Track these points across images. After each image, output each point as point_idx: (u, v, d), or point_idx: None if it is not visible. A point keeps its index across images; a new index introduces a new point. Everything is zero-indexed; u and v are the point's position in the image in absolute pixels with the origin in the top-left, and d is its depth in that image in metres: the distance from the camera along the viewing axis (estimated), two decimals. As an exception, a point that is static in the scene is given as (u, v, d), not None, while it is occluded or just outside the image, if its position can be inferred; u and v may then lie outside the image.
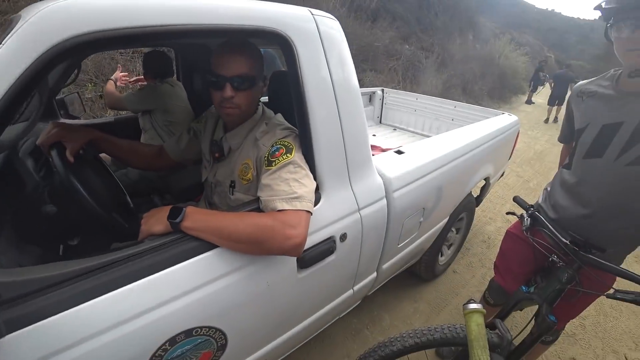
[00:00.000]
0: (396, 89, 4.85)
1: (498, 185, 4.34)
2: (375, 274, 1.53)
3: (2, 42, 0.61)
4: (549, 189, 1.35)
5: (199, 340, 0.88)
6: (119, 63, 4.13)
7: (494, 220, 3.52)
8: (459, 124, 2.92)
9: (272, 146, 0.99)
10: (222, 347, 0.95)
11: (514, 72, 13.89)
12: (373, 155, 1.34)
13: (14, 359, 0.63)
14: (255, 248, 0.88)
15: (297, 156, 0.98)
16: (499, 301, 1.62)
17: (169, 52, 2.86)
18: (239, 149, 1.10)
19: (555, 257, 1.16)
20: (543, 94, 13.13)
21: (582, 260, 1.04)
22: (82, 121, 2.16)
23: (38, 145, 1.03)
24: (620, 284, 1.05)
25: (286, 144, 0.99)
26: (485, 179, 2.32)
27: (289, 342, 1.21)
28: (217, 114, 1.22)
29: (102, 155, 1.36)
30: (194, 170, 1.48)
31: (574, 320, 1.46)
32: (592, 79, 1.23)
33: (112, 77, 2.29)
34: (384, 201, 1.32)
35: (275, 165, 0.95)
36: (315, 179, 1.03)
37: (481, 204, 2.75)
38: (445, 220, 1.96)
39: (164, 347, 0.81)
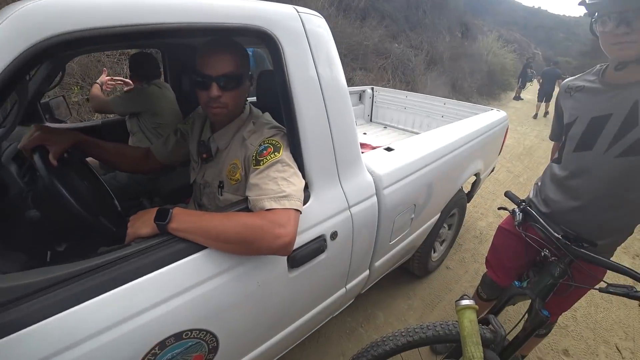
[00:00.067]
0: (386, 87, 4.86)
1: (489, 180, 4.38)
2: (367, 272, 1.52)
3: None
4: (539, 183, 1.36)
5: (190, 344, 0.87)
6: (105, 66, 4.08)
7: (486, 216, 3.55)
8: (448, 120, 2.93)
9: (260, 145, 0.98)
10: (214, 350, 0.93)
11: (502, 69, 14.05)
12: (363, 153, 1.34)
13: (-4, 368, 0.61)
14: (244, 248, 0.87)
15: (285, 155, 0.97)
16: (492, 296, 1.63)
17: (156, 53, 2.83)
18: (227, 149, 1.09)
19: (547, 252, 1.17)
20: (531, 91, 13.32)
21: (573, 254, 1.05)
22: (67, 125, 2.13)
23: (20, 150, 1.01)
24: (611, 276, 1.06)
25: (274, 142, 0.99)
26: (475, 175, 2.33)
27: (282, 342, 1.20)
28: (204, 114, 1.21)
29: (90, 159, 1.34)
30: (182, 172, 1.47)
31: (565, 312, 1.47)
32: (579, 75, 1.25)
33: (98, 81, 2.25)
34: (375, 198, 1.32)
35: (263, 164, 0.94)
36: (304, 177, 1.02)
37: (472, 199, 2.78)
38: (437, 216, 1.97)
39: (153, 351, 0.80)
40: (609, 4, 0.94)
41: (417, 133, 3.21)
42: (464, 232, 3.14)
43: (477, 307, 1.00)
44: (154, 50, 3.08)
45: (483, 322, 1.13)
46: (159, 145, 1.32)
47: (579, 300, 1.43)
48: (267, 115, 1.14)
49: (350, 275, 1.39)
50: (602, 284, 0.97)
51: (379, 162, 1.43)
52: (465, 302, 1.00)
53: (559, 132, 1.35)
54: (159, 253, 0.82)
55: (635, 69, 0.99)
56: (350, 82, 7.24)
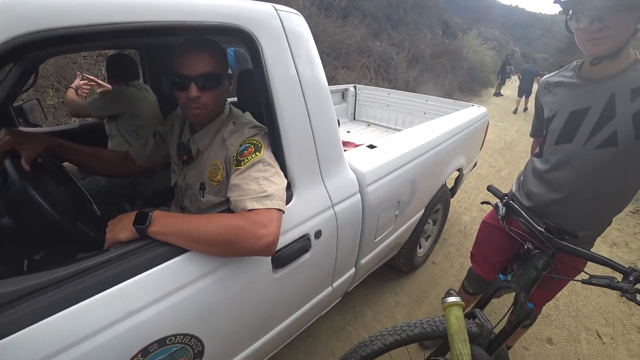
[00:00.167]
0: (369, 85, 4.89)
1: (471, 175, 4.46)
2: (353, 270, 1.53)
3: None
4: (521, 178, 1.39)
5: (174, 349, 0.85)
6: (82, 67, 3.98)
7: (469, 210, 3.61)
8: (431, 117, 2.97)
9: (241, 145, 0.97)
10: (199, 354, 0.92)
11: (482, 66, 14.34)
12: (346, 151, 1.34)
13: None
14: (226, 250, 0.86)
15: (266, 154, 0.96)
16: (477, 290, 1.66)
17: (134, 54, 2.78)
18: (208, 150, 1.08)
19: (530, 245, 1.19)
20: (511, 87, 13.65)
21: (556, 247, 1.08)
22: (43, 129, 2.07)
23: None
24: (591, 266, 1.10)
25: (255, 142, 0.98)
26: (458, 170, 2.37)
27: (270, 343, 1.19)
28: (183, 115, 1.19)
29: (67, 164, 1.30)
30: (164, 174, 1.44)
31: (549, 302, 1.52)
32: (556, 71, 1.29)
33: (72, 85, 2.18)
34: (358, 196, 1.32)
35: (244, 164, 0.93)
36: (286, 176, 1.01)
37: (456, 194, 2.81)
38: (421, 212, 1.99)
39: (136, 358, 0.78)
40: (583, 2, 0.97)
41: (400, 130, 3.24)
42: (449, 227, 3.19)
43: (463, 303, 1.01)
44: (132, 51, 3.02)
45: (469, 316, 1.14)
46: (138, 148, 1.29)
47: (561, 290, 1.47)
48: (248, 115, 1.13)
49: (336, 274, 1.39)
50: (585, 276, 1.00)
51: (362, 160, 1.43)
52: (451, 299, 1.00)
53: (538, 129, 1.39)
54: (139, 257, 0.80)
55: (610, 63, 1.03)
56: (333, 80, 7.26)
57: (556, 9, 1.09)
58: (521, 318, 1.09)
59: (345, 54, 8.36)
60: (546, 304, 1.58)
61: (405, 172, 1.59)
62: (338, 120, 1.27)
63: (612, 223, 1.28)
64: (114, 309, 0.74)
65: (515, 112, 10.08)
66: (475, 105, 2.71)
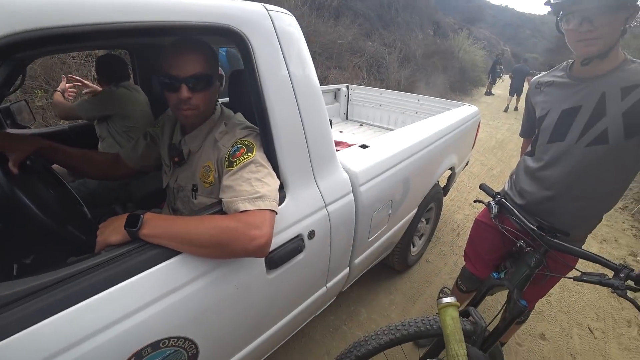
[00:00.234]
0: (361, 85, 4.90)
1: (464, 174, 4.49)
2: (347, 270, 1.53)
3: None
4: (514, 176, 1.41)
5: (168, 352, 0.84)
6: (71, 68, 3.92)
7: (462, 209, 3.64)
8: (423, 116, 2.98)
9: (233, 146, 0.97)
10: (194, 357, 0.91)
11: (473, 66, 14.46)
12: (338, 151, 1.34)
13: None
14: (219, 252, 0.85)
15: (258, 155, 0.96)
16: (471, 288, 1.67)
17: (125, 54, 2.75)
18: (199, 151, 1.07)
19: (522, 243, 1.21)
20: (501, 86, 13.78)
21: (548, 245, 1.09)
22: (31, 130, 2.04)
23: None
24: (583, 263, 1.11)
25: (247, 143, 0.97)
26: (450, 169, 2.38)
27: (265, 344, 1.19)
28: (174, 116, 1.18)
29: (57, 167, 1.28)
30: (155, 176, 1.43)
31: (541, 298, 1.54)
32: (547, 71, 1.31)
33: (59, 89, 2.15)
34: (351, 196, 1.33)
35: (236, 165, 0.92)
36: (278, 177, 1.01)
37: (448, 193, 2.83)
38: (415, 211, 2.00)
39: (128, 362, 0.77)
40: (572, 3, 0.99)
41: (392, 130, 3.25)
42: (442, 225, 3.21)
43: (458, 304, 1.01)
44: (122, 51, 2.99)
45: (463, 314, 1.15)
46: (129, 150, 1.27)
47: (553, 287, 1.49)
48: (239, 116, 1.13)
49: (330, 274, 1.39)
50: (577, 273, 1.01)
51: (355, 160, 1.43)
52: (446, 300, 1.00)
53: (529, 128, 1.41)
54: (131, 261, 0.79)
55: (600, 63, 1.05)
56: (325, 80, 7.26)
57: (546, 9, 1.12)
58: (515, 315, 1.10)
59: (337, 54, 8.37)
60: (539, 301, 1.60)
61: (398, 172, 1.59)
62: (330, 120, 1.27)
63: (602, 219, 1.30)
64: (105, 313, 0.73)
65: (506, 110, 10.23)
66: (467, 104, 2.73)
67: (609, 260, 0.96)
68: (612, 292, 0.92)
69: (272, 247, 0.93)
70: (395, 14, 12.73)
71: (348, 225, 1.35)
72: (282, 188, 1.07)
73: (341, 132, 3.35)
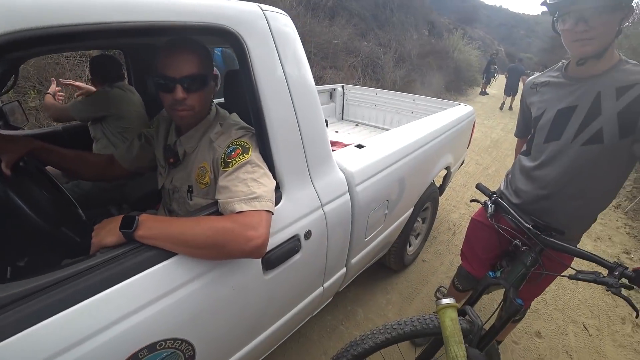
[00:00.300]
0: (356, 85, 4.90)
1: (459, 173, 4.51)
2: (344, 270, 1.53)
3: None
4: (510, 176, 1.42)
5: (164, 354, 0.84)
6: (65, 68, 3.89)
7: (458, 208, 3.65)
8: (418, 116, 2.99)
9: (228, 147, 0.96)
10: (191, 359, 0.91)
11: (467, 65, 14.53)
12: (334, 151, 1.34)
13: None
14: (215, 253, 0.85)
15: (254, 155, 0.95)
16: (467, 287, 1.68)
17: (119, 55, 2.73)
18: (195, 152, 1.06)
19: (518, 242, 1.21)
20: (496, 86, 13.85)
21: (544, 243, 1.10)
22: (24, 131, 2.02)
23: None
24: (578, 261, 1.12)
25: (242, 143, 0.97)
26: (446, 168, 2.39)
27: (262, 345, 1.18)
28: (168, 117, 1.17)
29: (50, 168, 1.27)
30: (151, 177, 1.42)
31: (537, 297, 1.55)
32: (542, 72, 1.32)
33: (49, 91, 2.13)
34: (347, 196, 1.33)
35: (232, 166, 0.92)
36: (274, 177, 1.01)
37: (444, 192, 2.84)
38: (411, 210, 2.00)
39: (124, 365, 0.76)
40: (568, 4, 1.00)
41: (388, 130, 3.26)
42: (438, 224, 3.22)
43: (457, 305, 1.01)
44: (116, 51, 2.97)
45: (460, 313, 1.15)
46: (123, 151, 1.26)
47: (549, 285, 1.50)
48: (235, 116, 1.12)
49: (327, 274, 1.39)
50: (572, 271, 1.02)
51: (351, 160, 1.43)
52: (445, 301, 1.00)
53: (524, 129, 1.43)
54: (127, 262, 0.79)
55: (595, 63, 1.06)
56: (320, 80, 7.26)
57: (540, 10, 1.12)
58: (511, 314, 1.10)
59: (333, 54, 8.38)
60: (535, 299, 1.61)
61: (394, 171, 1.60)
62: (326, 120, 1.27)
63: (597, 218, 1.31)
64: (101, 315, 0.73)
65: (501, 108, 10.41)
66: (462, 104, 2.74)
67: (603, 259, 0.97)
68: (606, 290, 0.93)
69: (268, 248, 0.93)
70: (390, 14, 12.77)
71: (344, 225, 1.35)
72: (278, 188, 1.07)
73: (337, 132, 3.36)
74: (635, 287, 0.92)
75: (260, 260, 1.01)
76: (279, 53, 1.04)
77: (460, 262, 1.70)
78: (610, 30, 0.98)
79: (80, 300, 0.70)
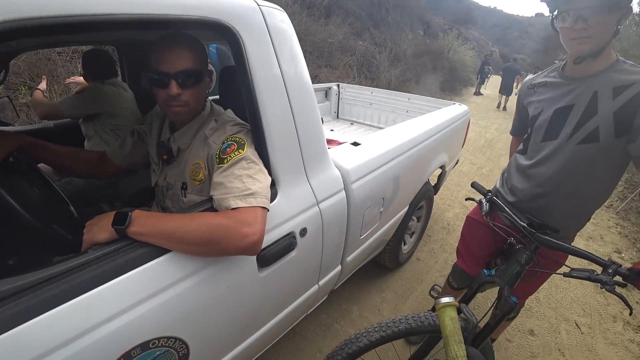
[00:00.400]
0: (352, 84, 4.90)
1: (454, 172, 4.53)
2: (339, 267, 1.53)
3: None
4: (505, 174, 1.42)
5: (158, 353, 0.83)
6: (57, 64, 3.83)
7: (452, 207, 3.67)
8: (413, 115, 3.00)
9: (223, 143, 0.95)
10: (185, 357, 0.90)
11: (462, 66, 14.61)
12: (330, 148, 1.33)
13: None
14: (210, 249, 0.84)
15: (249, 152, 0.94)
16: (462, 285, 1.68)
17: (112, 50, 2.70)
18: (189, 148, 1.05)
19: (513, 240, 1.22)
20: (490, 86, 13.95)
21: (538, 241, 1.10)
22: (14, 127, 1.98)
23: None
24: (571, 260, 1.12)
25: (237, 139, 0.96)
26: (441, 167, 2.40)
27: (257, 343, 1.18)
28: (162, 113, 1.16)
29: (42, 165, 1.25)
30: (144, 174, 1.40)
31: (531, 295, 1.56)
32: (538, 73, 1.33)
33: (39, 87, 2.09)
34: (343, 193, 1.32)
35: (227, 162, 0.91)
36: (270, 174, 1.00)
37: (439, 191, 2.85)
38: (406, 209, 2.01)
39: (117, 363, 0.75)
40: (568, 2, 1.00)
41: (383, 128, 3.27)
42: (433, 223, 3.23)
43: (457, 304, 1.00)
44: (109, 47, 2.93)
45: (454, 310, 1.15)
46: (116, 148, 1.25)
47: (543, 283, 1.50)
48: (230, 112, 1.11)
49: (322, 272, 1.38)
50: (566, 269, 1.03)
51: (346, 157, 1.43)
52: (445, 299, 0.99)
53: (519, 127, 1.44)
54: (119, 259, 0.77)
55: (592, 62, 1.07)
56: (316, 79, 7.26)
57: (533, 11, 1.12)
58: (505, 312, 1.11)
59: (328, 52, 8.38)
60: (529, 297, 1.62)
61: (389, 169, 1.60)
62: (322, 119, 1.26)
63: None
64: (93, 313, 0.71)
65: (498, 107, 10.59)
66: (457, 103, 2.76)
67: (597, 257, 0.98)
68: (600, 288, 0.94)
69: (263, 245, 0.92)
70: (385, 13, 12.80)
71: (340, 222, 1.35)
72: (273, 185, 1.06)
73: (332, 130, 3.35)
74: (628, 284, 0.92)
75: (255, 257, 1.00)
76: (275, 49, 1.03)
77: (455, 260, 1.70)
78: (608, 30, 0.99)
79: (71, 297, 0.69)
